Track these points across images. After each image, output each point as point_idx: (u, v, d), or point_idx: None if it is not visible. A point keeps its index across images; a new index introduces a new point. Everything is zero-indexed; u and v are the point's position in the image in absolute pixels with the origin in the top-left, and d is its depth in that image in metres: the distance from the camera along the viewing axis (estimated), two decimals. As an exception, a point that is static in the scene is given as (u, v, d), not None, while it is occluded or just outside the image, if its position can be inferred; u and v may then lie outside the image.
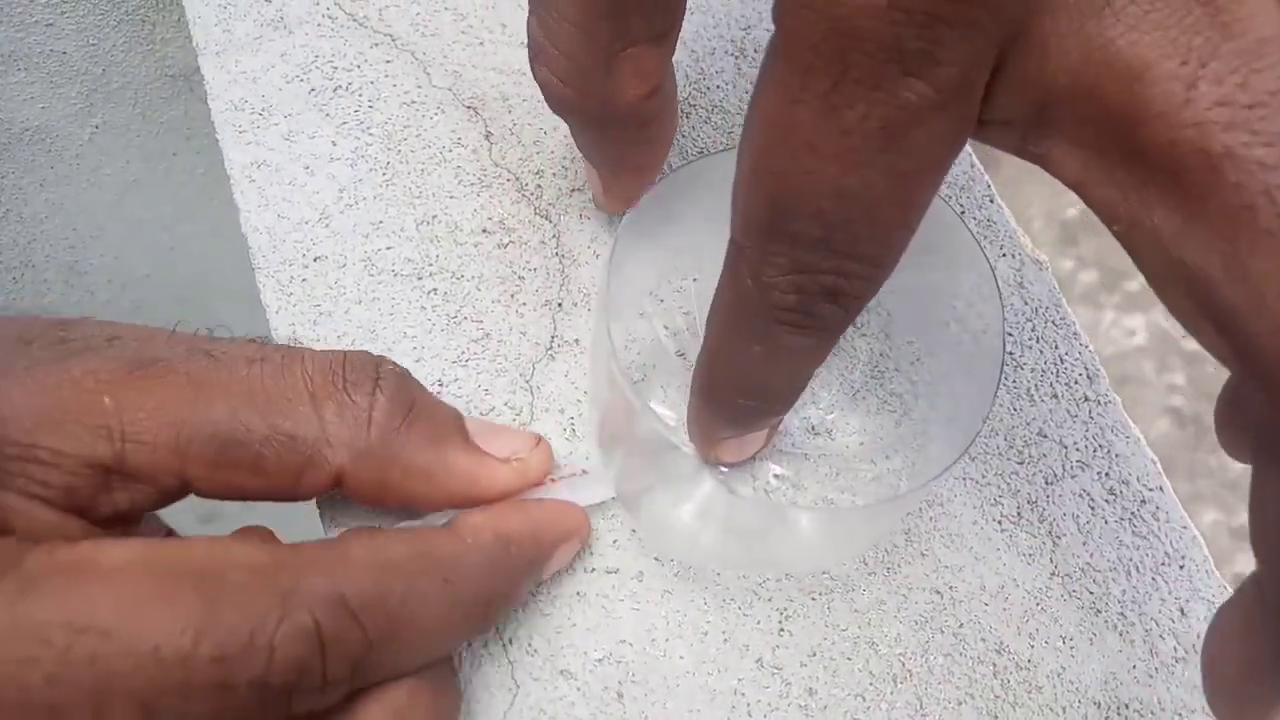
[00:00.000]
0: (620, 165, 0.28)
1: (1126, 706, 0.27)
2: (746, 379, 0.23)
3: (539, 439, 0.26)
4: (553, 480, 0.27)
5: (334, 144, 0.32)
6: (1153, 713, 0.27)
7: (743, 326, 0.21)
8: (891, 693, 0.26)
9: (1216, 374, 0.29)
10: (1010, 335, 0.31)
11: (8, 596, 0.17)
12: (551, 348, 0.30)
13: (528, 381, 0.29)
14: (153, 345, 0.22)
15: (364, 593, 0.20)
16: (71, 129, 0.46)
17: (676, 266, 0.30)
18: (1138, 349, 1.28)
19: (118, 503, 0.21)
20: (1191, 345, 1.27)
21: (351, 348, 0.29)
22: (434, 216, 0.31)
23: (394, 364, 0.25)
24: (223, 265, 0.56)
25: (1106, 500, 0.29)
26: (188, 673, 0.18)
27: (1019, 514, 0.29)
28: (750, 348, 0.22)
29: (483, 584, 0.23)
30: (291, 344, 0.28)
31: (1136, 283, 1.34)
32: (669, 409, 0.29)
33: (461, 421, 0.25)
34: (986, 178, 0.33)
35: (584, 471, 0.27)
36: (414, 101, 0.33)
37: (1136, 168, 0.18)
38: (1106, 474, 0.29)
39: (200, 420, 0.21)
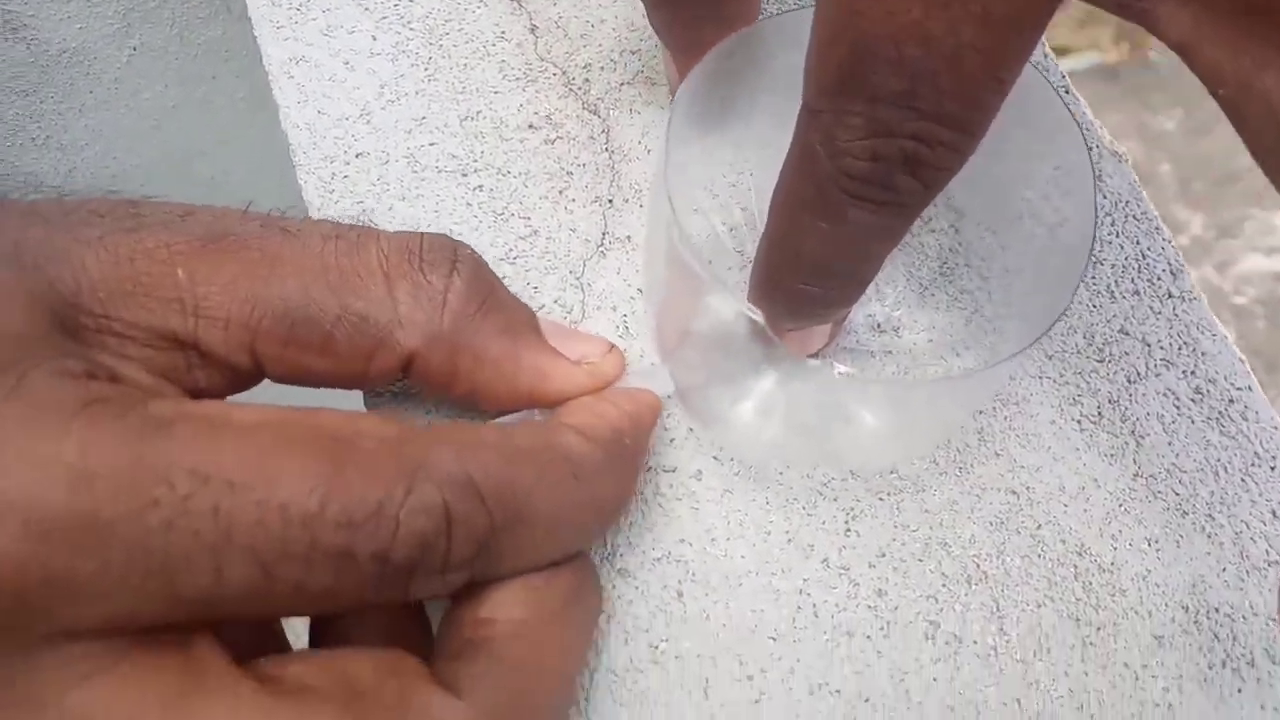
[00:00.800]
0: (695, 47, 0.26)
1: (1216, 610, 0.25)
2: (812, 261, 0.21)
3: (611, 346, 0.25)
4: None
5: (374, 39, 0.30)
6: (1244, 617, 0.25)
7: (811, 201, 0.20)
8: (966, 594, 0.25)
9: None
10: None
11: (132, 433, 0.16)
12: (603, 245, 0.28)
13: (578, 279, 0.28)
14: (226, 221, 0.21)
15: (493, 477, 0.19)
16: (109, 51, 0.45)
17: (734, 160, 0.29)
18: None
19: (197, 380, 0.20)
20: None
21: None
22: (478, 112, 0.30)
23: (471, 250, 0.23)
24: (266, 195, 0.55)
25: (1192, 399, 0.27)
26: (312, 536, 0.17)
27: (1099, 413, 0.27)
28: (817, 225, 0.20)
29: (608, 482, 0.22)
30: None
31: (1187, 237, 1.30)
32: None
33: (535, 319, 0.24)
34: (1064, 64, 0.31)
35: (650, 365, 0.26)
36: (456, -5, 0.31)
37: (1249, 24, 0.16)
38: (1192, 372, 0.27)
39: (272, 296, 0.20)
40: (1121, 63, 1.52)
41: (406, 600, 0.18)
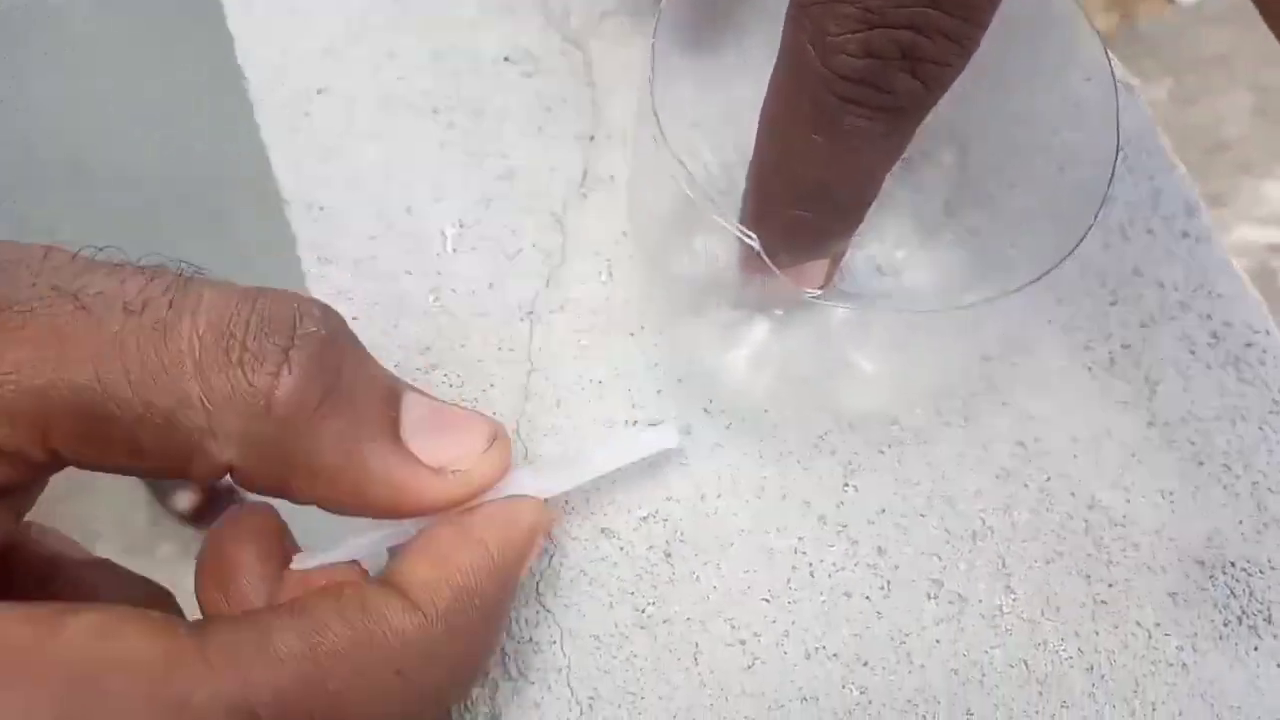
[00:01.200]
0: None
1: (1233, 565, 0.24)
2: (806, 182, 0.20)
3: (496, 435, 0.20)
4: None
5: (338, -32, 0.28)
6: (1261, 572, 0.24)
7: (803, 112, 0.18)
8: (970, 551, 0.24)
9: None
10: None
11: None
12: (584, 184, 0.27)
13: (558, 221, 0.26)
14: (16, 280, 0.17)
15: (285, 704, 0.16)
16: (67, 7, 0.43)
17: (726, 95, 0.27)
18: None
19: None
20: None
21: (362, 187, 0.26)
22: (451, 45, 0.28)
23: (323, 314, 0.19)
24: (236, 165, 0.53)
25: (1209, 344, 0.26)
26: None
27: (1112, 360, 0.25)
28: (810, 140, 0.19)
29: (442, 669, 0.18)
30: (295, 184, 0.25)
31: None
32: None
33: (398, 407, 0.20)
34: (1069, -4, 0.29)
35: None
36: (426, -77, 0.29)
37: None
38: (1209, 315, 0.26)
39: (62, 385, 0.16)
40: (1111, 32, 1.50)
41: None
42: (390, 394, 0.20)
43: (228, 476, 0.18)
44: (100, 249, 0.18)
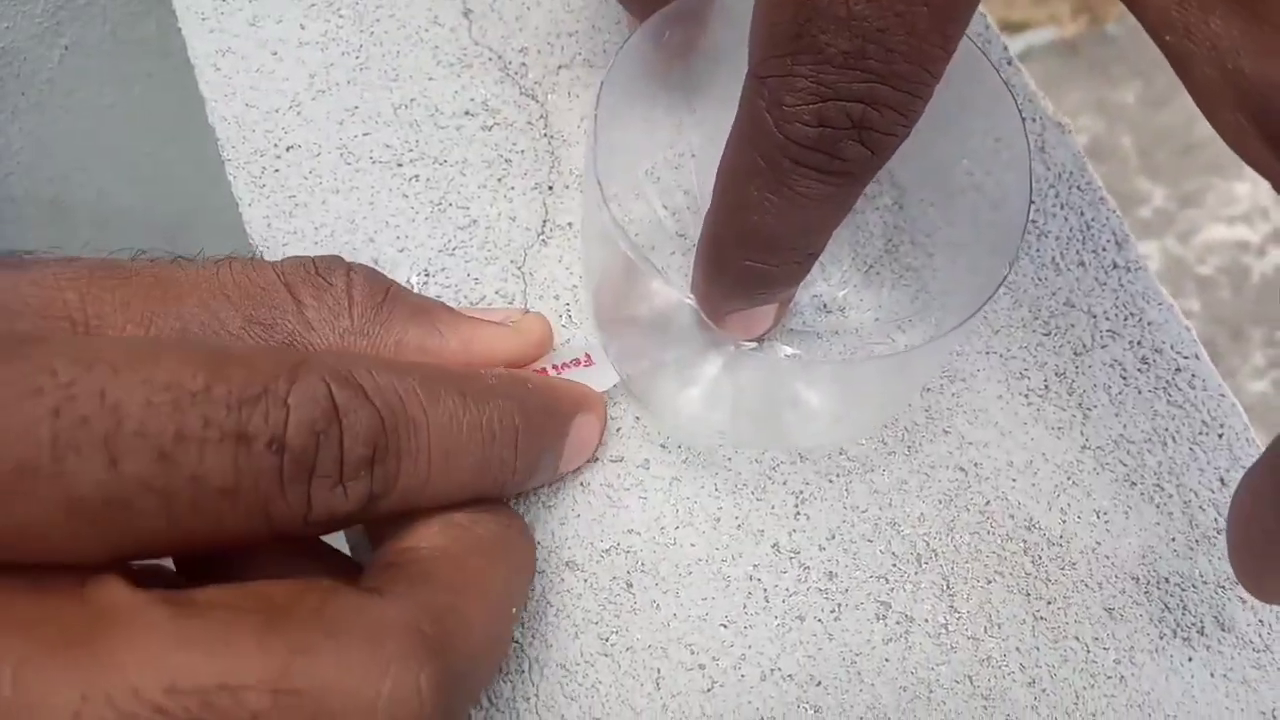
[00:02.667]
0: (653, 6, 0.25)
1: (1166, 580, 0.25)
2: (759, 235, 0.21)
3: (526, 309, 0.25)
4: (555, 368, 0.25)
5: (302, 27, 0.30)
6: (1194, 586, 0.25)
7: (758, 173, 0.19)
8: (916, 573, 0.25)
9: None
10: (1033, 202, 0.29)
11: (5, 342, 0.15)
12: (543, 232, 0.28)
13: (520, 268, 0.27)
14: (114, 260, 0.21)
15: (374, 376, 0.18)
16: (39, 50, 0.44)
17: (674, 141, 0.28)
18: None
19: None
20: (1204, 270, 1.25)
21: (330, 239, 0.27)
22: (412, 100, 0.29)
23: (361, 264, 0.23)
24: (208, 197, 0.54)
25: (1139, 369, 0.27)
26: (204, 415, 0.16)
27: (1046, 386, 0.27)
28: (764, 199, 0.20)
29: (503, 410, 0.21)
30: (265, 239, 0.27)
31: (1149, 209, 1.31)
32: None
33: (442, 303, 0.24)
34: (1004, 39, 0.31)
35: (586, 356, 0.26)
36: (387, -19, 0.30)
37: None
38: (1139, 342, 0.27)
39: (169, 314, 0.20)
40: (1080, 36, 1.52)
41: (310, 524, 0.17)
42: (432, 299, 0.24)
43: None
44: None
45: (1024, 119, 0.30)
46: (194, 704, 0.14)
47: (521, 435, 0.21)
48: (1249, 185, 1.35)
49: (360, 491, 0.18)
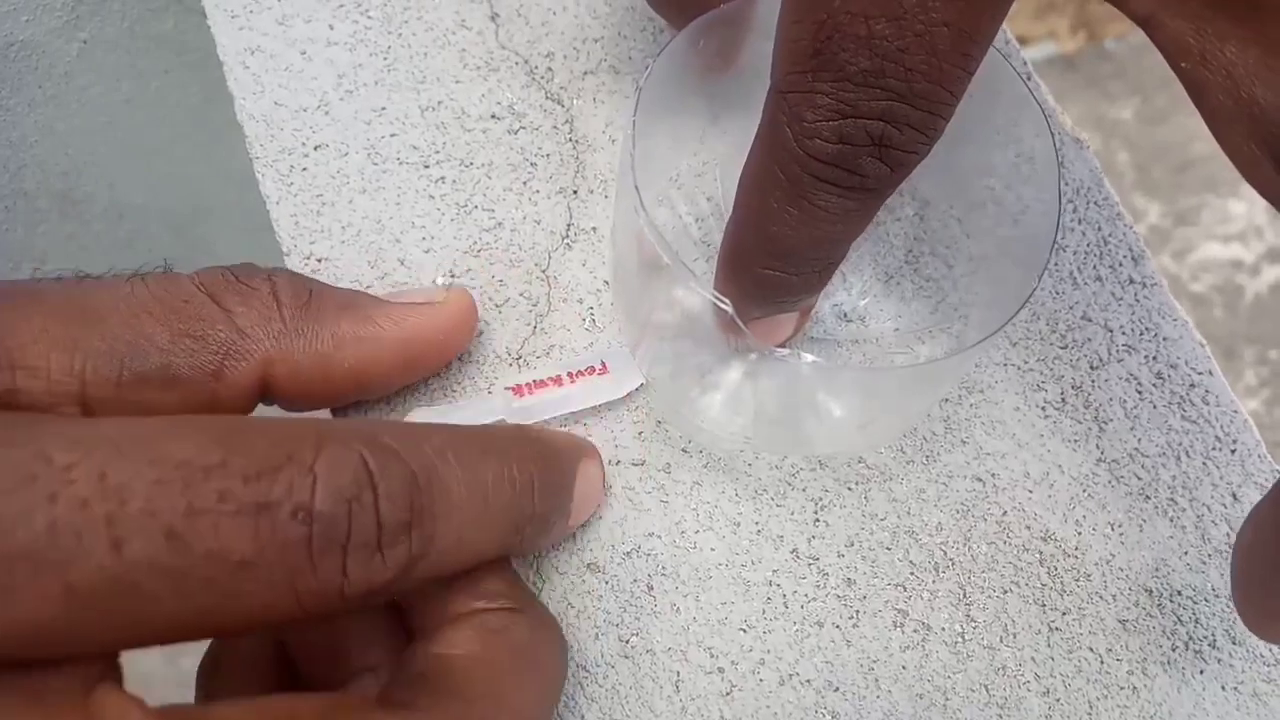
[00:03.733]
0: (690, 12, 0.25)
1: (1179, 593, 0.26)
2: (778, 246, 0.21)
3: (448, 287, 0.25)
4: (570, 376, 0.25)
5: (331, 28, 0.30)
6: (1205, 599, 0.26)
7: (778, 186, 0.20)
8: (934, 582, 0.25)
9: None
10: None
11: None
12: (568, 236, 0.28)
13: (544, 271, 0.28)
14: (18, 282, 0.20)
15: (401, 436, 0.18)
16: (58, 45, 0.44)
17: (699, 150, 0.28)
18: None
19: None
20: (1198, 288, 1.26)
21: (357, 239, 0.27)
22: (439, 102, 0.29)
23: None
24: (221, 193, 0.54)
25: (1154, 384, 0.28)
26: (220, 489, 0.15)
27: (1063, 399, 0.27)
28: (784, 211, 0.20)
29: (520, 460, 0.20)
30: (293, 237, 0.27)
31: (1144, 226, 1.32)
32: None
33: (365, 292, 0.24)
34: (1023, 54, 0.31)
35: (602, 364, 0.26)
36: (415, -16, 0.31)
37: None
38: (1154, 357, 0.28)
39: (94, 336, 0.19)
40: (1079, 52, 1.53)
41: (347, 598, 0.16)
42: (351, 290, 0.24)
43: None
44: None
45: (1038, 135, 0.30)
46: None
47: (538, 484, 0.21)
48: (1244, 204, 1.36)
49: (400, 557, 0.17)
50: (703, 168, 0.28)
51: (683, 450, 0.26)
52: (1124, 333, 0.28)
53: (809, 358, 0.27)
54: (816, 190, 0.19)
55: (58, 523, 0.14)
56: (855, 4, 0.17)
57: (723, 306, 0.21)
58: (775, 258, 0.21)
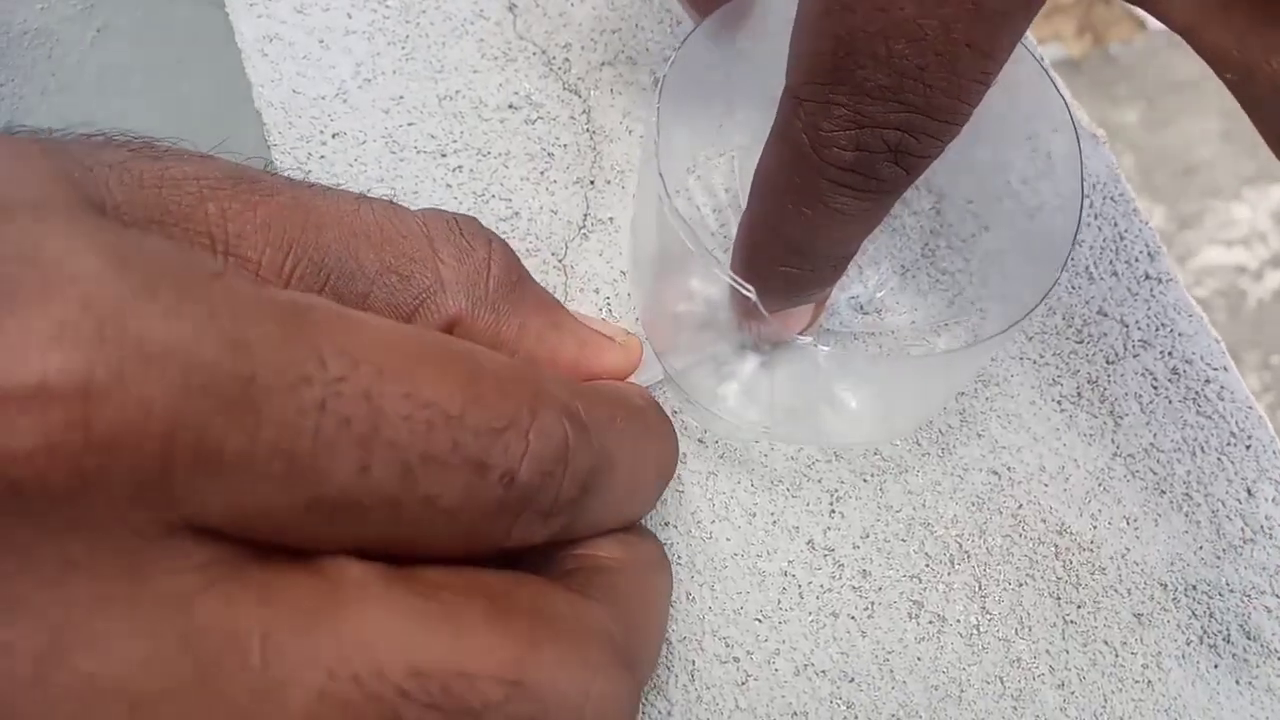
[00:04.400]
0: (712, 5, 0.25)
1: (1194, 588, 0.26)
2: (792, 243, 0.21)
3: (627, 331, 0.24)
4: None
5: (349, 16, 0.30)
6: (1220, 594, 0.26)
7: (792, 187, 0.20)
8: (949, 574, 0.25)
9: None
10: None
11: (272, 304, 0.14)
12: (584, 226, 0.28)
13: (561, 261, 0.28)
14: (249, 169, 0.19)
15: (593, 415, 0.18)
16: (73, 32, 0.44)
17: (717, 141, 0.29)
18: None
19: None
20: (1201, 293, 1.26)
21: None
22: (457, 92, 0.29)
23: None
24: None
25: (1170, 380, 0.28)
26: (454, 440, 0.15)
27: (1079, 394, 0.27)
28: (799, 212, 0.20)
29: (661, 438, 0.21)
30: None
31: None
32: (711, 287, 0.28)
33: (560, 302, 0.24)
34: (1040, 51, 0.31)
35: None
36: (433, -26, 0.31)
37: (1253, 7, 0.16)
38: (1169, 353, 0.28)
39: (309, 244, 0.19)
40: (1084, 56, 1.53)
41: (502, 550, 0.17)
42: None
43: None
44: None
45: (1056, 130, 0.30)
46: (435, 688, 0.14)
47: (667, 468, 0.21)
48: (1248, 209, 1.36)
49: (555, 527, 0.17)
50: (720, 157, 0.28)
51: (699, 440, 0.26)
52: (1139, 328, 0.28)
53: (824, 349, 0.27)
54: (832, 194, 0.19)
55: (322, 431, 0.14)
56: (875, 24, 0.17)
57: (745, 292, 0.21)
58: (789, 255, 0.21)
